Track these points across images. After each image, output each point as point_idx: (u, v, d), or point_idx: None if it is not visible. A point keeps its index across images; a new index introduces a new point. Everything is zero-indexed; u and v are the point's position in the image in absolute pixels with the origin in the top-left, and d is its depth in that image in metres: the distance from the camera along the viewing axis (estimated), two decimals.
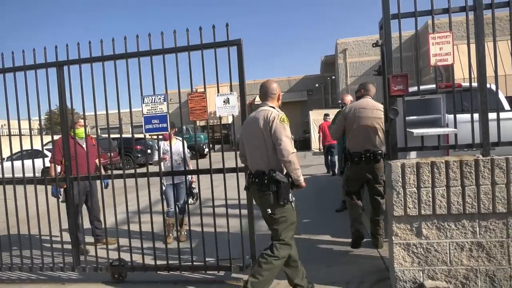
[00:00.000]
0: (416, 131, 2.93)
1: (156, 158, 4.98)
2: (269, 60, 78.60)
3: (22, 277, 4.04)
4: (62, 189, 4.53)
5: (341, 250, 4.14)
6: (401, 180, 2.90)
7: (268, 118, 2.89)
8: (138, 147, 17.45)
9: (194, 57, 3.32)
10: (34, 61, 3.69)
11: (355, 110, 4.05)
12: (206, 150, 22.28)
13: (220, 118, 3.55)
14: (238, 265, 3.56)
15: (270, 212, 2.91)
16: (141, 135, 26.24)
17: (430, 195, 2.87)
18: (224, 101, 3.41)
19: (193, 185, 5.07)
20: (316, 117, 20.77)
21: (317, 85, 29.87)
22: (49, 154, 11.97)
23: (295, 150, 2.85)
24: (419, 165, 2.87)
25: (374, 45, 3.21)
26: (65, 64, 3.70)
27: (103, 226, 4.95)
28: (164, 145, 4.93)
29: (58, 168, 4.42)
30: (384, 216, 3.83)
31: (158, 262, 3.71)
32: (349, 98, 5.60)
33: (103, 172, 4.91)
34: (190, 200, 4.99)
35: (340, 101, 5.94)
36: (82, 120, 4.65)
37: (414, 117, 3.14)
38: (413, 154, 3.20)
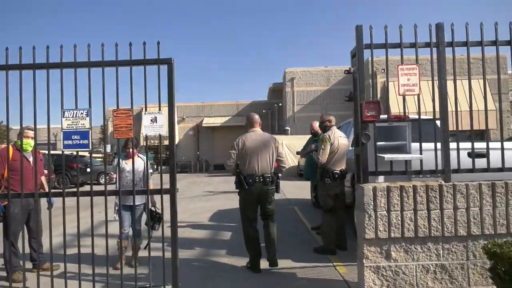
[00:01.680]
0: (387, 156, 3.05)
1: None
2: (219, 85, 79.24)
3: None
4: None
5: (304, 275, 4.10)
6: (372, 203, 2.97)
7: (275, 140, 4.52)
8: (75, 165, 16.29)
9: (127, 74, 3.21)
10: None
11: (337, 138, 4.92)
12: (151, 171, 21.43)
13: (161, 137, 3.43)
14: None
15: (272, 198, 4.42)
16: (84, 153, 24.69)
17: (399, 218, 2.97)
18: (151, 120, 3.34)
19: (158, 210, 4.78)
20: None
21: (264, 110, 30.50)
22: None
23: None
24: (390, 189, 2.97)
25: (346, 72, 3.34)
26: None
27: (43, 249, 4.48)
28: (122, 163, 4.63)
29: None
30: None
31: None
32: (317, 125, 6.29)
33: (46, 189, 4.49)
34: (156, 226, 4.69)
35: (311, 129, 6.73)
36: (30, 131, 4.24)
37: (382, 143, 3.27)
38: (380, 178, 3.32)
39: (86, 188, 15.93)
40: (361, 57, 3.15)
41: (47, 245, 4.21)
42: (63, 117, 3.30)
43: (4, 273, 4.13)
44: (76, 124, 3.30)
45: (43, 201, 4.32)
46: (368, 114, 3.04)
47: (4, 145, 3.85)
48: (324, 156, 4.88)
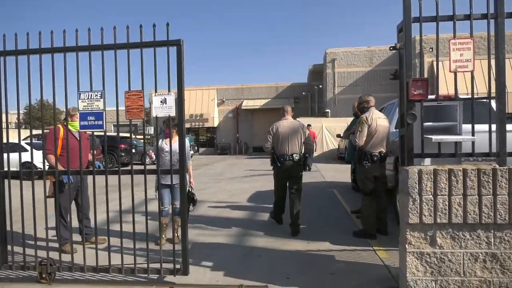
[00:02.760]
0: (435, 137, 2.86)
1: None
2: (258, 66, 78.90)
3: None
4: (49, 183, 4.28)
5: (342, 258, 4.03)
6: (417, 187, 2.82)
7: (304, 126, 5.33)
8: (122, 146, 17.01)
9: (138, 55, 3.24)
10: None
11: (375, 119, 4.73)
12: (191, 152, 21.98)
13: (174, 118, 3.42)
14: (169, 269, 3.46)
15: (300, 174, 5.28)
16: (127, 134, 25.79)
17: (447, 203, 2.79)
18: (161, 101, 3.33)
19: (193, 191, 4.89)
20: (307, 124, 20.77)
21: (304, 93, 30.07)
22: (28, 147, 11.55)
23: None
24: (437, 172, 2.80)
25: (391, 48, 3.14)
26: (2, 55, 3.53)
27: (92, 224, 4.71)
28: (161, 143, 4.73)
29: (53, 160, 4.19)
30: None
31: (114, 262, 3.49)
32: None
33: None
34: (191, 207, 4.81)
35: (354, 111, 6.52)
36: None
37: (430, 123, 3.07)
38: (426, 161, 3.13)
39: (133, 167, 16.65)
40: (408, 32, 2.94)
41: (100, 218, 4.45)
42: (79, 99, 3.41)
43: (56, 245, 4.40)
44: (92, 106, 3.40)
45: (91, 178, 4.54)
46: (415, 93, 2.85)
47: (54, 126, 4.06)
48: (361, 138, 4.72)
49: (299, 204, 5.22)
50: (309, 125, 16.19)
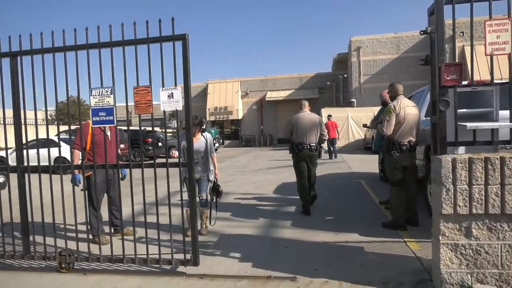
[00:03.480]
0: (470, 125, 2.74)
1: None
2: (282, 58, 78.22)
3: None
4: (81, 177, 4.42)
5: (372, 249, 3.96)
6: (451, 176, 2.71)
7: (320, 118, 5.92)
8: (149, 140, 17.36)
9: (141, 50, 3.38)
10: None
11: (403, 108, 4.57)
12: (217, 145, 22.16)
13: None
14: (180, 259, 3.51)
15: (315, 162, 5.89)
16: (156, 129, 26.37)
17: (483, 193, 2.68)
18: (168, 96, 3.34)
19: (218, 182, 4.92)
20: (328, 113, 20.48)
21: (328, 83, 29.63)
22: (62, 143, 12.00)
23: None
24: (472, 161, 2.68)
25: (422, 32, 3.02)
26: (19, 55, 3.67)
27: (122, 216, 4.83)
28: (185, 143, 4.76)
29: (80, 155, 4.32)
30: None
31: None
32: (386, 93, 5.85)
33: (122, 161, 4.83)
34: (216, 198, 4.86)
35: (382, 99, 6.31)
36: None
37: (464, 110, 2.94)
38: (460, 149, 3.01)
39: (158, 160, 16.95)
40: (440, 14, 2.81)
41: (124, 213, 4.57)
42: (91, 95, 3.50)
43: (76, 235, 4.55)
44: (102, 102, 3.48)
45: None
46: (448, 78, 2.73)
47: (86, 121, 4.20)
48: (389, 127, 4.58)
49: (315, 189, 6.05)
50: (329, 116, 16.67)
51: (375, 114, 7.69)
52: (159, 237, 3.59)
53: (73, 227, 3.83)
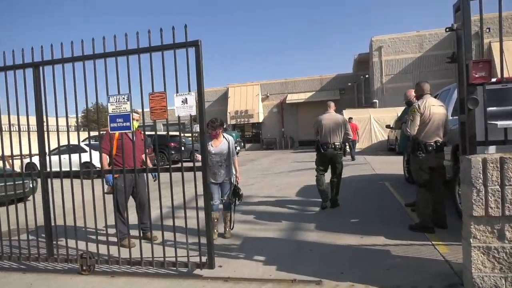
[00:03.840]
0: (501, 123, 2.65)
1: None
2: (303, 59, 77.96)
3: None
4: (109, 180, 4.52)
5: (398, 252, 3.87)
6: (482, 177, 2.62)
7: (344, 118, 6.22)
8: (172, 144, 17.62)
9: (156, 58, 3.46)
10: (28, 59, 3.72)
11: (428, 107, 4.44)
12: (238, 148, 22.26)
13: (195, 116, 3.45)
14: (196, 262, 3.55)
15: (340, 160, 6.12)
16: (176, 133, 26.70)
17: None
18: (182, 101, 3.39)
19: (239, 185, 4.93)
20: (349, 116, 20.24)
21: (349, 83, 29.33)
22: (87, 149, 12.33)
23: None
24: (504, 160, 2.59)
25: (447, 29, 2.94)
26: (41, 65, 3.83)
27: (149, 220, 4.89)
28: (208, 146, 4.80)
29: (108, 159, 4.43)
30: None
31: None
32: (412, 93, 5.80)
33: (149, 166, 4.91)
34: (236, 201, 4.87)
35: (406, 99, 6.19)
36: (135, 114, 4.63)
37: (493, 108, 2.85)
38: (491, 149, 2.91)
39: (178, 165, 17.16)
40: (467, 10, 2.73)
41: (153, 216, 4.64)
42: (109, 102, 3.60)
43: (100, 238, 4.64)
44: (120, 108, 3.57)
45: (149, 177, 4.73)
46: (477, 76, 2.65)
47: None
48: (414, 127, 4.47)
49: (339, 186, 6.25)
50: (350, 118, 16.79)
51: (399, 115, 7.54)
52: (175, 240, 3.65)
53: (98, 231, 3.93)
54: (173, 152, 17.33)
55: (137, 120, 4.71)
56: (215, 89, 33.36)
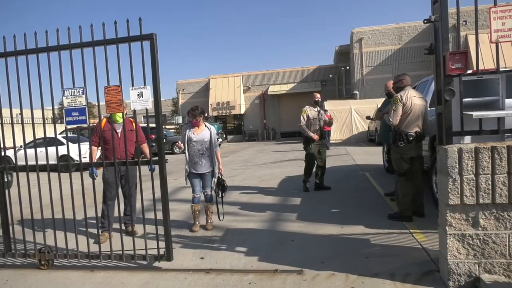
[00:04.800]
0: (476, 113, 2.71)
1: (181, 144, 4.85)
2: (282, 49, 77.76)
3: None
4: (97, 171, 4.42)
5: (377, 241, 3.95)
6: (457, 166, 2.69)
7: (319, 110, 6.95)
8: (152, 136, 17.36)
9: (113, 51, 3.39)
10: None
11: (410, 98, 4.55)
12: (220, 140, 22.17)
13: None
14: (154, 255, 3.55)
15: (324, 148, 7.00)
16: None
17: (490, 183, 2.66)
18: (138, 95, 3.38)
19: (223, 177, 4.90)
20: (331, 107, 20.41)
21: (330, 75, 29.52)
22: (64, 141, 12.04)
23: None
24: (478, 150, 2.66)
25: (425, 21, 2.98)
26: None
27: (135, 213, 4.82)
28: (189, 133, 4.76)
29: (99, 152, 4.35)
30: None
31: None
32: (391, 84, 5.84)
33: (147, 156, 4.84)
34: (221, 193, 4.85)
35: (386, 90, 6.27)
36: None
37: (469, 99, 2.91)
38: (466, 139, 2.98)
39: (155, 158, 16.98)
40: (444, 2, 2.77)
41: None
42: (64, 96, 3.54)
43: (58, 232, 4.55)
44: (75, 102, 3.52)
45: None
46: (453, 67, 2.70)
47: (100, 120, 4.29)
48: (396, 117, 4.56)
49: (325, 170, 7.02)
50: (325, 111, 16.96)
51: (379, 106, 7.67)
52: (133, 233, 3.70)
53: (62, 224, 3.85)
54: (153, 144, 17.09)
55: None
56: (196, 80, 33.01)
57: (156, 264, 3.64)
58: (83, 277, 3.52)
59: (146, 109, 3.41)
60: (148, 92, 3.38)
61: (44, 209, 3.80)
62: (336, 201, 5.98)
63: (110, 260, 3.63)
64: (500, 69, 2.80)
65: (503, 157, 2.63)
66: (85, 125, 3.66)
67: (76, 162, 3.84)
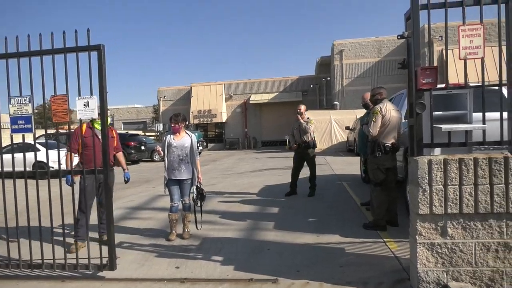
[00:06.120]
0: (445, 127, 2.82)
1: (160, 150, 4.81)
2: (266, 61, 78.46)
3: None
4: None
5: (352, 250, 4.01)
6: (427, 177, 2.78)
7: (303, 123, 7.22)
8: (132, 143, 17.14)
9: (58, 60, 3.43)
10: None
11: (388, 110, 4.69)
12: (200, 148, 22.06)
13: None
14: (97, 264, 3.53)
15: (309, 156, 7.27)
16: (137, 132, 26.01)
17: (457, 193, 2.76)
18: (84, 104, 3.42)
19: (202, 186, 4.87)
20: (312, 117, 20.64)
21: (312, 86, 29.90)
22: (41, 148, 11.73)
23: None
24: (447, 162, 2.76)
25: (399, 37, 3.09)
26: None
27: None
28: (169, 138, 4.74)
29: (76, 159, 4.27)
30: None
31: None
32: (367, 95, 5.97)
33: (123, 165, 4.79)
34: (200, 202, 4.82)
35: (363, 101, 6.35)
36: None
37: (439, 113, 3.03)
38: (436, 151, 3.09)
39: (142, 164, 16.73)
40: (416, 19, 2.89)
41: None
42: (10, 104, 3.53)
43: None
44: (21, 110, 3.52)
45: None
46: (424, 82, 2.80)
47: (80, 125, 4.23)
48: (375, 128, 4.68)
49: (315, 175, 7.38)
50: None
51: (358, 117, 7.87)
52: (77, 243, 3.65)
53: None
54: (132, 152, 16.85)
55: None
56: (178, 87, 32.85)
57: (100, 274, 3.56)
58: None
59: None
60: (94, 102, 3.40)
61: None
62: (313, 210, 6.04)
63: (53, 270, 3.56)
64: (470, 84, 2.94)
65: (470, 168, 2.74)
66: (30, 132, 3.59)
67: (46, 170, 3.71)
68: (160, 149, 4.77)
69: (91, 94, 3.37)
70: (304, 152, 7.21)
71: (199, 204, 4.83)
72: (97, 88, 3.37)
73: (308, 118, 7.29)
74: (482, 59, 2.83)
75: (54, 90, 3.45)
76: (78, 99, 3.40)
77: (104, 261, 3.49)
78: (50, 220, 3.58)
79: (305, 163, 7.33)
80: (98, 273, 3.58)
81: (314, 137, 7.36)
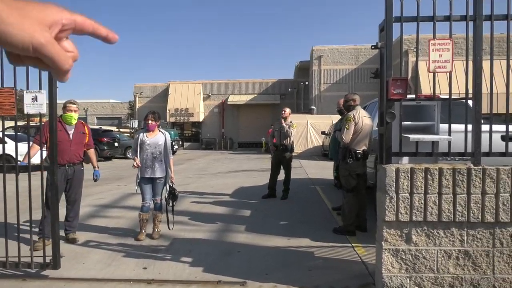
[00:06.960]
0: (413, 136, 2.91)
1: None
2: (247, 62, 78.52)
3: None
4: None
5: (321, 254, 4.07)
6: (394, 185, 2.86)
7: (283, 126, 7.34)
8: (105, 139, 16.74)
9: None
10: None
11: (361, 118, 4.78)
12: (176, 147, 21.81)
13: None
14: (40, 263, 3.46)
15: (286, 158, 7.37)
16: (110, 127, 25.38)
17: (422, 202, 2.85)
18: (32, 99, 3.38)
19: (174, 186, 4.80)
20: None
21: (290, 89, 30.13)
22: (8, 140, 11.29)
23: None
24: (414, 171, 2.85)
25: (373, 47, 3.17)
26: None
27: (77, 219, 4.61)
28: (142, 136, 4.66)
29: (44, 153, 4.13)
30: None
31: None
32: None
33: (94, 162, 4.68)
34: (172, 202, 4.74)
35: (338, 107, 6.42)
36: (72, 105, 4.36)
37: (408, 123, 3.12)
38: (404, 159, 3.18)
39: (114, 161, 16.36)
40: (389, 31, 2.97)
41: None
42: None
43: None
44: None
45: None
46: (395, 92, 2.88)
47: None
48: (348, 135, 4.77)
49: (289, 178, 7.45)
50: (271, 125, 17.51)
51: (334, 122, 8.01)
52: (19, 241, 3.45)
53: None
54: (105, 148, 16.47)
55: (75, 111, 4.42)
56: (155, 84, 32.37)
57: (44, 272, 3.46)
58: None
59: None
60: (43, 96, 3.32)
61: None
62: (285, 213, 6.08)
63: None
64: (439, 96, 3.04)
65: (435, 178, 2.84)
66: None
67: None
68: (138, 161, 4.60)
69: (40, 88, 3.27)
70: (281, 155, 7.34)
71: (171, 204, 4.77)
72: (47, 82, 3.28)
73: (291, 122, 7.34)
74: (450, 73, 2.94)
75: (1, 82, 3.30)
76: (26, 93, 3.30)
77: (48, 259, 3.39)
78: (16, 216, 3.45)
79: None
80: (41, 271, 3.47)
81: (293, 141, 7.45)
